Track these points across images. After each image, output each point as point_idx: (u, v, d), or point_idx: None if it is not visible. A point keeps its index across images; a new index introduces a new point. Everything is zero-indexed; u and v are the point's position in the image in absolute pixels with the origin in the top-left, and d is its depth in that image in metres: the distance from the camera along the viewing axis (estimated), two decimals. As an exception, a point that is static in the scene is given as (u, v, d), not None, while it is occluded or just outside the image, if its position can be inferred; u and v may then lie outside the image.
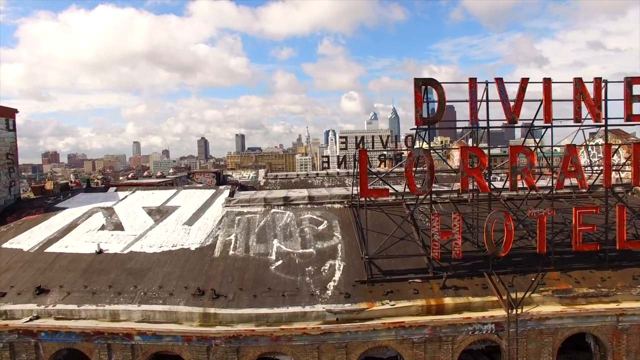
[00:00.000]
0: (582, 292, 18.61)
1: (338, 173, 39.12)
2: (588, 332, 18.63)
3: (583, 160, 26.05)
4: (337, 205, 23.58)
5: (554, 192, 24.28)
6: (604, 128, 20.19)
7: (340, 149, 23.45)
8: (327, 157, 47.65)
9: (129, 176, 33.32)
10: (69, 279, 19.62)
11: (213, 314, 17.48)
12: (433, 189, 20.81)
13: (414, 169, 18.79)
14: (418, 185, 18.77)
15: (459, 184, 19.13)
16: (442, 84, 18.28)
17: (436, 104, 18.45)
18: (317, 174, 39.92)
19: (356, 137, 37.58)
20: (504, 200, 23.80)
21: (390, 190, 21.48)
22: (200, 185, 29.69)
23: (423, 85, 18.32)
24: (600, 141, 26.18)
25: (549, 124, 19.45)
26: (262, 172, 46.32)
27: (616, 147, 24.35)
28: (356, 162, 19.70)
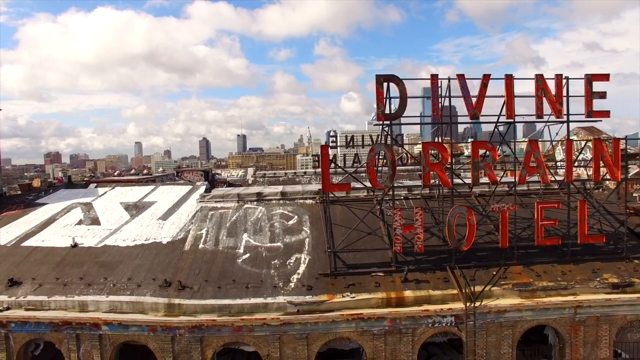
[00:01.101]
0: (541, 285, 18.89)
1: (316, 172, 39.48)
2: (547, 324, 18.91)
3: (560, 156, 26.19)
4: (309, 201, 23.99)
5: (528, 187, 24.70)
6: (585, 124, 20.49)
7: (331, 147, 23.91)
8: (318, 155, 48.03)
9: (116, 174, 33.80)
10: (42, 271, 20.13)
11: (177, 304, 17.92)
12: (402, 185, 21.20)
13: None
14: (380, 180, 19.11)
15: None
16: (403, 80, 18.65)
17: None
18: (305, 172, 40.33)
19: (346, 136, 38.01)
20: (475, 196, 24.17)
21: (359, 186, 21.88)
22: (182, 182, 30.17)
23: (385, 82, 18.69)
24: (576, 138, 26.43)
25: (512, 120, 19.78)
26: (250, 170, 46.70)
27: (577, 140, 24.61)
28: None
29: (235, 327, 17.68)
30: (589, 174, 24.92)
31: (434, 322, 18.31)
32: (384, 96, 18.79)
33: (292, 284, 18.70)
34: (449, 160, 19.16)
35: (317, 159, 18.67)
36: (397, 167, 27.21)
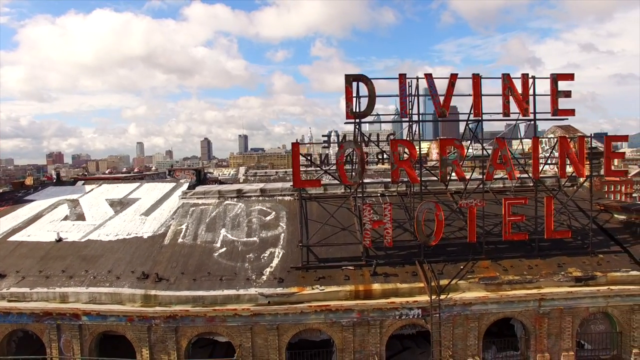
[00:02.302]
0: (507, 279, 19.45)
1: (316, 171, 40.08)
2: (513, 316, 19.50)
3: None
4: (287, 198, 24.64)
5: (504, 185, 25.22)
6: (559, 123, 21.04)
7: (323, 147, 24.49)
8: (310, 155, 48.30)
9: (107, 172, 34.58)
10: (26, 265, 20.84)
11: (154, 295, 18.61)
12: (375, 182, 21.82)
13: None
14: (349, 176, 19.74)
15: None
16: (372, 80, 19.28)
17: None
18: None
19: (338, 135, 38.59)
20: (450, 194, 24.72)
21: (335, 182, 22.46)
22: (168, 179, 30.88)
23: (354, 81, 19.32)
24: (552, 136, 26.93)
25: (479, 118, 20.37)
26: (242, 169, 47.45)
27: (551, 138, 25.14)
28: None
29: (208, 317, 18.36)
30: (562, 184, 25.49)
31: (401, 315, 18.92)
32: (352, 95, 19.41)
33: (264, 277, 19.36)
34: (417, 157, 19.75)
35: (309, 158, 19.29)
36: (378, 166, 27.78)
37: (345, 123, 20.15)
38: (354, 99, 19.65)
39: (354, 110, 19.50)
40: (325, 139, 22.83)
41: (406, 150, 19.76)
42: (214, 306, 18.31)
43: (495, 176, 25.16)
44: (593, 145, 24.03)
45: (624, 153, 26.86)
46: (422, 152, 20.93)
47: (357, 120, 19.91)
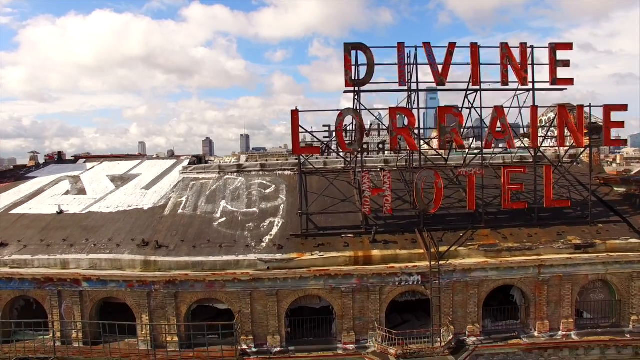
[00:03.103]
0: (507, 246, 19.46)
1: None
2: (512, 284, 19.50)
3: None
4: (287, 172, 24.71)
5: (503, 161, 25.19)
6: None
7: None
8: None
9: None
10: (28, 235, 20.97)
11: (153, 261, 18.69)
12: (374, 150, 21.83)
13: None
14: (347, 141, 19.80)
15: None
16: (370, 49, 19.36)
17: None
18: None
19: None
20: (451, 169, 24.69)
21: (335, 165, 22.47)
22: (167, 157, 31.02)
23: (353, 50, 19.40)
24: (552, 115, 26.91)
25: (478, 87, 20.42)
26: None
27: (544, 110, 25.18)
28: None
29: (207, 282, 18.43)
30: (562, 150, 25.53)
31: (401, 281, 18.96)
32: (352, 64, 19.49)
33: (263, 244, 19.42)
34: (415, 125, 19.80)
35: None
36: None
37: (345, 92, 20.21)
38: (353, 68, 19.74)
39: (353, 78, 19.56)
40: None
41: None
42: (213, 271, 18.37)
43: (495, 152, 25.33)
44: (592, 120, 24.08)
45: (623, 122, 26.53)
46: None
47: (357, 89, 19.97)
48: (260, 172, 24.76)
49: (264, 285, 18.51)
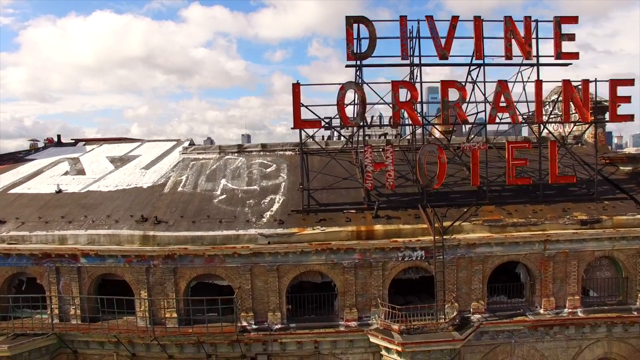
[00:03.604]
0: (512, 221, 19.12)
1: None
2: (517, 260, 19.16)
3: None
4: (288, 152, 24.43)
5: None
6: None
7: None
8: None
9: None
10: (26, 212, 20.69)
11: (152, 236, 18.40)
12: (377, 124, 21.51)
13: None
14: (350, 117, 19.51)
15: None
16: (372, 22, 19.10)
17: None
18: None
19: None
20: (454, 149, 24.33)
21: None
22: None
23: (355, 23, 19.15)
24: (555, 97, 26.58)
25: (481, 61, 20.13)
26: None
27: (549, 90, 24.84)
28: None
29: (207, 257, 18.14)
30: (567, 130, 25.27)
31: (404, 256, 18.65)
32: (354, 37, 19.23)
33: (264, 219, 19.13)
34: (418, 99, 19.51)
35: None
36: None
37: (347, 66, 19.96)
38: (355, 42, 19.47)
39: (355, 52, 19.29)
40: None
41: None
42: (213, 246, 18.08)
43: (498, 124, 24.87)
44: (597, 100, 23.70)
45: (629, 97, 25.84)
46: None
47: (358, 62, 19.71)
48: (261, 152, 24.49)
49: (264, 260, 18.22)
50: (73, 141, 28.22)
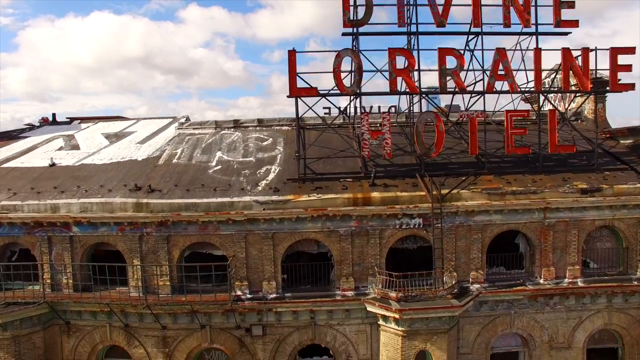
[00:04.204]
0: (511, 189, 18.83)
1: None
2: (517, 229, 18.86)
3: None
4: (285, 127, 24.14)
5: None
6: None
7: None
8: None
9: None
10: (19, 184, 20.39)
11: (145, 203, 18.11)
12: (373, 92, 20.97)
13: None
14: (347, 85, 19.23)
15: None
16: (370, -12, 18.85)
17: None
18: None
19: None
20: (452, 124, 24.03)
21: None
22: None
23: (351, -11, 18.90)
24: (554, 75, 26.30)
25: (479, 29, 19.89)
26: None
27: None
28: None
29: (201, 224, 17.85)
30: (566, 106, 24.93)
31: (402, 224, 18.35)
32: (350, 4, 18.98)
33: (259, 188, 18.86)
34: (415, 67, 19.26)
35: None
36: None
37: (343, 34, 19.72)
38: (352, 9, 19.22)
39: (351, 18, 19.05)
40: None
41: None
42: (206, 212, 17.79)
43: (497, 110, 24.65)
44: (598, 76, 23.41)
45: (630, 65, 25.46)
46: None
47: (355, 30, 19.47)
48: (258, 127, 24.21)
49: (259, 227, 17.93)
50: (68, 120, 27.94)
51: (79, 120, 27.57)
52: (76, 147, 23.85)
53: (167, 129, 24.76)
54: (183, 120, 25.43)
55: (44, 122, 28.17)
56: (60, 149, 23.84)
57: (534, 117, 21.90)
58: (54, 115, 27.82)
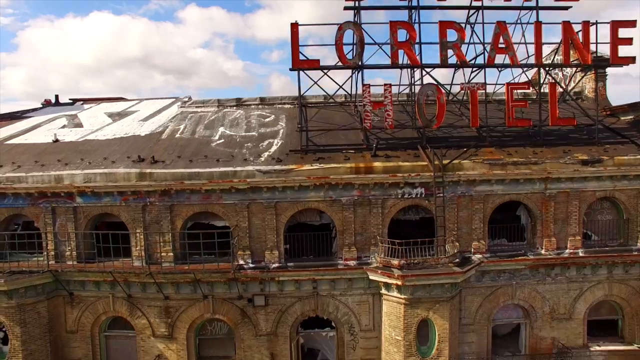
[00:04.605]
0: (512, 160, 18.92)
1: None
2: (518, 200, 18.96)
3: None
4: (287, 105, 24.29)
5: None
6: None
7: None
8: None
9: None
10: (23, 158, 20.51)
11: (148, 173, 18.21)
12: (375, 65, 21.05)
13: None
14: (349, 57, 19.38)
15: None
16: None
17: None
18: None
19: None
20: (453, 101, 24.08)
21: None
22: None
23: (353, -39, 19.07)
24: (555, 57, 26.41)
25: (480, 3, 20.05)
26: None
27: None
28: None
29: (204, 193, 17.95)
30: (567, 83, 25.03)
31: (404, 193, 18.46)
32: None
33: (262, 158, 18.97)
34: (416, 39, 19.40)
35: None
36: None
37: (345, 9, 19.88)
38: (353, -18, 19.39)
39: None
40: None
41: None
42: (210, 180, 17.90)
43: (497, 88, 24.76)
44: (598, 54, 23.55)
45: (631, 39, 25.32)
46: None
47: (357, 4, 19.64)
48: (260, 105, 24.36)
49: (261, 196, 18.04)
50: (71, 101, 28.09)
51: (82, 101, 27.71)
52: (79, 125, 23.99)
53: (170, 108, 24.91)
54: (186, 99, 25.56)
55: (47, 103, 28.31)
56: (64, 127, 23.97)
57: (535, 97, 22.11)
58: (56, 96, 27.95)
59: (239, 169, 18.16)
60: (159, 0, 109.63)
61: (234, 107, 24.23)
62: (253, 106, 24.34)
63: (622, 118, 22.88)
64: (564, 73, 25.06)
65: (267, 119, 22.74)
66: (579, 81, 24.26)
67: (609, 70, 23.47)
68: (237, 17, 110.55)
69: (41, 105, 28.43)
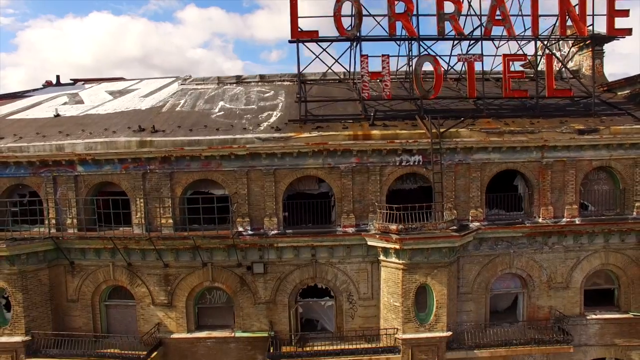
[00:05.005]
0: (509, 129, 19.07)
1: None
2: (515, 168, 19.10)
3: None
4: (286, 83, 24.51)
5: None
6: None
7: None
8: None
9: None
10: (25, 130, 20.69)
11: (149, 141, 18.36)
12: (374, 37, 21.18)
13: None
14: (348, 28, 19.58)
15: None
16: None
17: None
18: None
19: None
20: (453, 80, 24.27)
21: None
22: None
23: None
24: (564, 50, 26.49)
25: (478, -24, 20.24)
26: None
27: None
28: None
29: (203, 159, 18.12)
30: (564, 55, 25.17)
31: (402, 161, 18.62)
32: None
33: (261, 127, 19.15)
34: (414, 11, 19.59)
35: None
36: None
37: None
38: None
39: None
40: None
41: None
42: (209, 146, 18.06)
43: (495, 66, 24.91)
44: (595, 32, 23.75)
45: (628, 10, 25.50)
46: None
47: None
48: (259, 82, 24.58)
49: (260, 163, 18.21)
50: (72, 81, 28.32)
51: (83, 82, 27.93)
52: (80, 102, 24.21)
53: (170, 85, 25.13)
54: (187, 77, 25.78)
55: (48, 84, 28.54)
56: (65, 104, 24.19)
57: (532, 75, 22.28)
58: (57, 77, 28.18)
59: (238, 136, 18.33)
60: (158, 1, 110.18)
61: (234, 84, 24.45)
62: (253, 83, 24.56)
63: (619, 93, 23.04)
64: (562, 52, 25.34)
65: (267, 95, 22.95)
66: (575, 54, 24.42)
67: (608, 71, 23.69)
68: (236, 17, 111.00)
69: (42, 86, 28.64)
